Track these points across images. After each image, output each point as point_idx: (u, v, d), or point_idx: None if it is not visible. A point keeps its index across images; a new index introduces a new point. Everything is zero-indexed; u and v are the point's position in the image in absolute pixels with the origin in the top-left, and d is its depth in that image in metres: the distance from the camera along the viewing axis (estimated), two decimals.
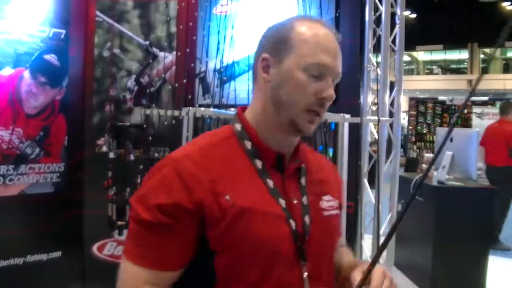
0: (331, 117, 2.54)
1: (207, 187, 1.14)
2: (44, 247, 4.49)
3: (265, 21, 1.37)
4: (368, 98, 3.65)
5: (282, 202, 1.21)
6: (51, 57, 4.43)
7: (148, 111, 4.36)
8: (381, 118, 3.10)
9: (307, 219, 1.24)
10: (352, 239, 3.43)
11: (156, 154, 4.36)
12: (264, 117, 1.24)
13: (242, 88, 3.59)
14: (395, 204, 3.48)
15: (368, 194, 3.52)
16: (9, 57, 4.18)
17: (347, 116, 2.71)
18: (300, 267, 1.21)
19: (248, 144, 1.23)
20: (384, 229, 3.51)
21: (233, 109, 2.57)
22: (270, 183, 1.22)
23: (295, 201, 1.24)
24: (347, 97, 3.45)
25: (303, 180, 1.30)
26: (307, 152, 1.38)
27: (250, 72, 1.32)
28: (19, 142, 4.31)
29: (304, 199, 1.27)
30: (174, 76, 4.52)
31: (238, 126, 1.24)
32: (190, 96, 4.39)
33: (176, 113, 4.09)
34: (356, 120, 2.74)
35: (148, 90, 4.60)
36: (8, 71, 4.19)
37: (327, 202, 1.33)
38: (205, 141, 1.23)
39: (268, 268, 1.17)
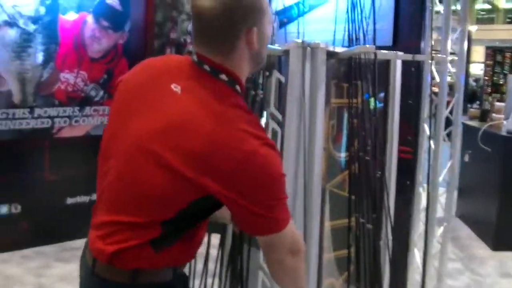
0: (382, 55, 2.43)
1: None
2: None
3: None
4: (430, 42, 3.42)
5: None
6: (113, 1, 4.50)
7: None
8: (440, 55, 2.93)
9: None
10: (410, 187, 3.32)
11: None
12: (244, 70, 1.37)
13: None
14: (456, 151, 3.33)
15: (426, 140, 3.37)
16: (73, 2, 4.28)
17: (400, 53, 2.58)
18: None
19: (238, 88, 1.35)
20: (443, 176, 3.37)
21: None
22: None
23: None
24: (408, 39, 3.28)
25: None
26: None
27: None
28: (84, 85, 4.45)
29: None
30: None
31: (223, 77, 1.32)
32: None
33: None
34: (408, 57, 2.61)
35: None
36: (72, 15, 4.29)
37: None
38: (243, 109, 1.32)
39: None
